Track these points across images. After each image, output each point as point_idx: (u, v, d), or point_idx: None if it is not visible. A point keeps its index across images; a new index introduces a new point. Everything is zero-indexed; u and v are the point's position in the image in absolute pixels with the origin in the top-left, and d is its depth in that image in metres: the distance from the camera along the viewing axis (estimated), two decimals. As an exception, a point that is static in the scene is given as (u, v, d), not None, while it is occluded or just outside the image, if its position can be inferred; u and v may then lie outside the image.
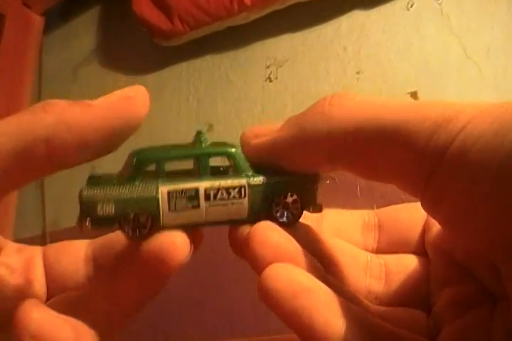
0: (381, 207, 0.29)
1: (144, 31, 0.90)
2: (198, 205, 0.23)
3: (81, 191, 0.23)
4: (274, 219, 0.23)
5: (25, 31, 1.02)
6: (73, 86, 1.00)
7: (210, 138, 0.25)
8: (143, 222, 0.23)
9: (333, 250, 0.25)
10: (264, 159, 0.24)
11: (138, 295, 0.23)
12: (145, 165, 0.23)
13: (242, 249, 0.22)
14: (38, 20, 1.05)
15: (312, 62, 0.83)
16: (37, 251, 0.28)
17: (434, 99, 0.20)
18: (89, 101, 0.22)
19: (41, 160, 0.21)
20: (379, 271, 0.26)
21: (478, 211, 0.17)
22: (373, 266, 0.26)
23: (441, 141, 0.18)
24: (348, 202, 0.63)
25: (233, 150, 0.24)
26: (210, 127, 0.88)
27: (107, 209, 0.23)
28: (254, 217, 0.23)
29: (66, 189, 0.94)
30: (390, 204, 0.29)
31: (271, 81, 0.85)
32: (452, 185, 0.18)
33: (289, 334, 0.20)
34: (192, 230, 0.23)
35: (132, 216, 0.23)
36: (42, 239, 0.98)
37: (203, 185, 0.23)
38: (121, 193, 0.23)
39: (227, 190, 0.23)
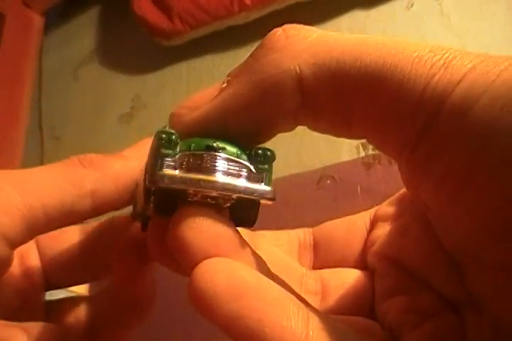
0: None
1: (144, 31, 0.90)
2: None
3: None
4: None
5: (25, 31, 1.02)
6: (73, 86, 1.00)
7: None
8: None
9: (266, 259, 0.20)
10: (210, 135, 0.19)
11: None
12: None
13: (158, 238, 0.18)
14: (38, 20, 1.05)
15: (312, 62, 0.83)
16: (30, 242, 0.28)
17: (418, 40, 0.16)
18: (122, 154, 0.24)
19: (86, 211, 0.22)
20: (314, 286, 0.23)
21: (478, 185, 0.14)
22: (308, 280, 0.24)
23: (440, 87, 0.14)
24: (348, 202, 0.63)
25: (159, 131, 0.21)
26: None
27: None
28: (137, 212, 0.20)
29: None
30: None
31: (271, 81, 0.85)
32: (450, 148, 0.14)
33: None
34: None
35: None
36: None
37: None
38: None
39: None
